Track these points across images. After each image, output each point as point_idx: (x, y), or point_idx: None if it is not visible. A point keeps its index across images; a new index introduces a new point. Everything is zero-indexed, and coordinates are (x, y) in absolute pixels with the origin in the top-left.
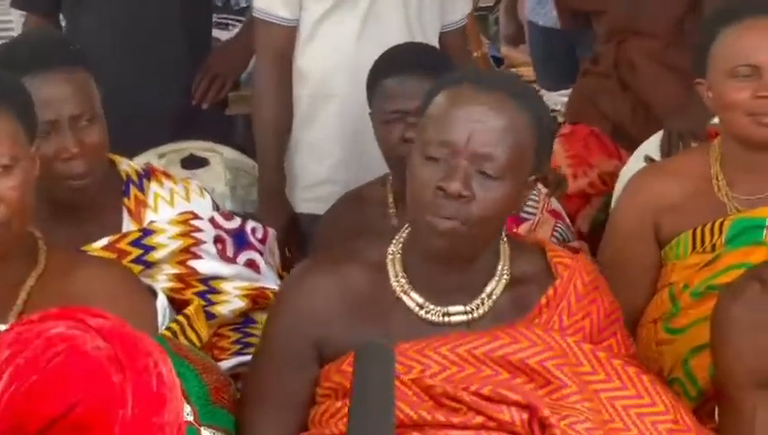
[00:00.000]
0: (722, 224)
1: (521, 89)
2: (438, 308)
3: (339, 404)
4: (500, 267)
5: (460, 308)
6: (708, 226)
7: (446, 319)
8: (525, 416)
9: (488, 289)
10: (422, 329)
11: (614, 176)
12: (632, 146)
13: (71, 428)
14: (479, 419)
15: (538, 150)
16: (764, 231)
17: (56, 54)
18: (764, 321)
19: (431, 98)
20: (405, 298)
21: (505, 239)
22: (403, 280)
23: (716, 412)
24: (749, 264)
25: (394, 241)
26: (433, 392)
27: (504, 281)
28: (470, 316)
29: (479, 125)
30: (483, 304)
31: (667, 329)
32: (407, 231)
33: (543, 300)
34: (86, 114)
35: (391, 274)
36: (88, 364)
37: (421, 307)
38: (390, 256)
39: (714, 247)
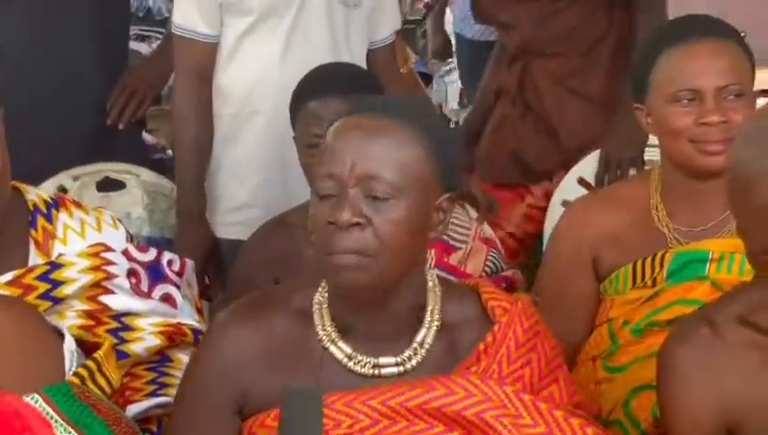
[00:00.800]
0: (663, 257)
1: (409, 109)
2: (368, 359)
3: None
4: (429, 313)
5: (391, 360)
6: (649, 259)
7: (377, 371)
8: None
9: (419, 338)
10: (352, 381)
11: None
12: (536, 175)
13: None
14: None
15: (437, 168)
16: (707, 265)
17: None
18: (714, 366)
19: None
20: (333, 348)
21: (435, 277)
22: (330, 329)
23: None
24: (691, 300)
25: (320, 287)
26: None
27: (434, 327)
28: (402, 368)
29: (360, 151)
30: (415, 354)
31: (606, 367)
32: None
33: (481, 347)
34: None
35: (318, 322)
36: None
37: (350, 358)
38: (317, 304)
39: (654, 282)
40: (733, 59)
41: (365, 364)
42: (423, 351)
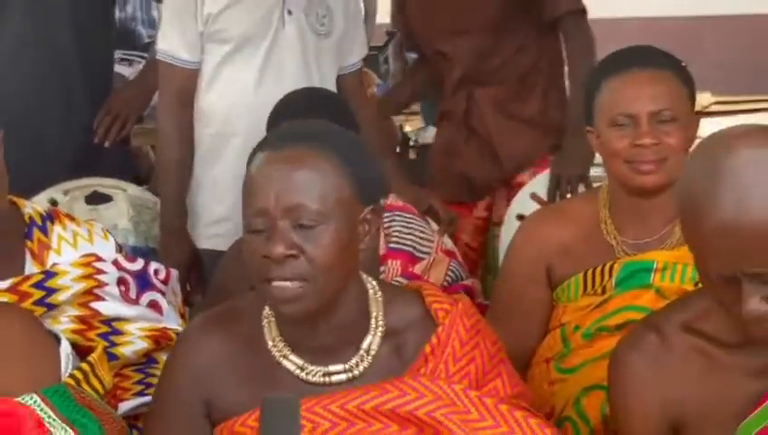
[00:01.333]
0: (612, 267)
1: (320, 134)
2: (319, 368)
3: None
4: (373, 320)
5: (339, 367)
6: (599, 268)
7: (327, 379)
8: None
9: (365, 344)
10: (305, 390)
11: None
12: (480, 193)
13: None
14: None
15: (356, 185)
16: (652, 274)
17: None
18: (661, 371)
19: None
20: (285, 362)
21: (375, 285)
22: (281, 343)
23: None
24: (638, 306)
25: (267, 304)
26: None
27: (379, 333)
28: (351, 374)
29: (283, 184)
30: (362, 360)
31: (558, 369)
32: None
33: (428, 348)
34: None
35: (268, 338)
36: None
37: (302, 369)
38: (266, 320)
39: (604, 290)
40: (667, 86)
41: (315, 373)
42: (370, 357)
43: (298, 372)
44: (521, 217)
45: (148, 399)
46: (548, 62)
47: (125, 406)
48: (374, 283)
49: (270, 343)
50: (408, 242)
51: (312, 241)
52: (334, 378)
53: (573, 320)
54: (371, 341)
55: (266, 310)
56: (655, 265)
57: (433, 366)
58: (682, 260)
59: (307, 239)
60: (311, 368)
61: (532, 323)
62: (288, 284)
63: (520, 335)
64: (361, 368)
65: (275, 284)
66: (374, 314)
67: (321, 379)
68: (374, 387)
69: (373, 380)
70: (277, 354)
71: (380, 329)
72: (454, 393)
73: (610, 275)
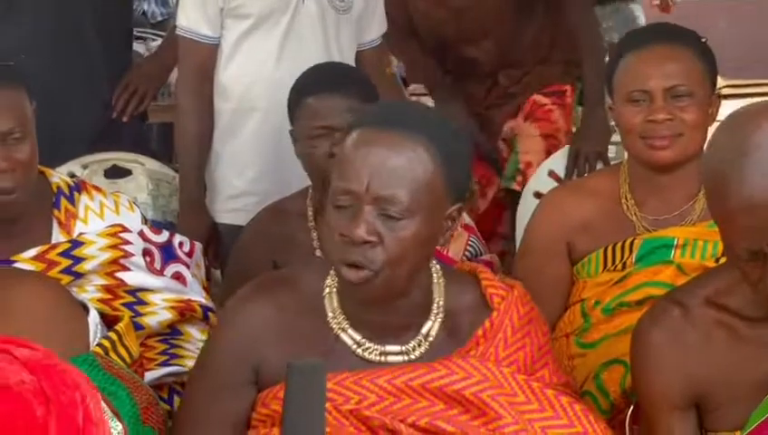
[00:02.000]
0: (632, 243)
1: (423, 122)
2: (376, 347)
3: (275, 431)
4: (435, 305)
5: (397, 348)
6: (619, 245)
7: (384, 358)
8: None
9: (425, 330)
10: (359, 365)
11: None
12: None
13: None
14: None
15: (449, 181)
16: (672, 250)
17: None
18: (683, 345)
19: (345, 138)
20: (343, 336)
21: (439, 269)
22: (341, 317)
23: (627, 424)
24: (658, 282)
25: (331, 274)
26: (370, 424)
27: (440, 319)
28: (407, 357)
29: (378, 168)
30: (420, 345)
31: (578, 343)
32: None
33: (480, 332)
34: (16, 131)
35: (329, 310)
36: (11, 399)
37: (359, 345)
38: (327, 291)
39: (624, 266)
40: (683, 62)
41: (372, 351)
42: (427, 343)
43: (355, 347)
44: (538, 195)
45: (172, 369)
46: (565, 37)
47: (149, 376)
48: (437, 266)
49: (330, 314)
50: None
51: (394, 232)
52: (390, 358)
53: (593, 295)
54: (431, 326)
55: (329, 278)
56: (675, 242)
57: (483, 349)
58: (703, 236)
59: (390, 229)
60: (368, 345)
61: (553, 298)
62: (362, 270)
63: (540, 310)
64: (418, 353)
65: (348, 268)
66: (436, 301)
67: (378, 357)
68: (423, 365)
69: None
70: (335, 326)
71: (441, 315)
72: (502, 376)
73: (631, 251)
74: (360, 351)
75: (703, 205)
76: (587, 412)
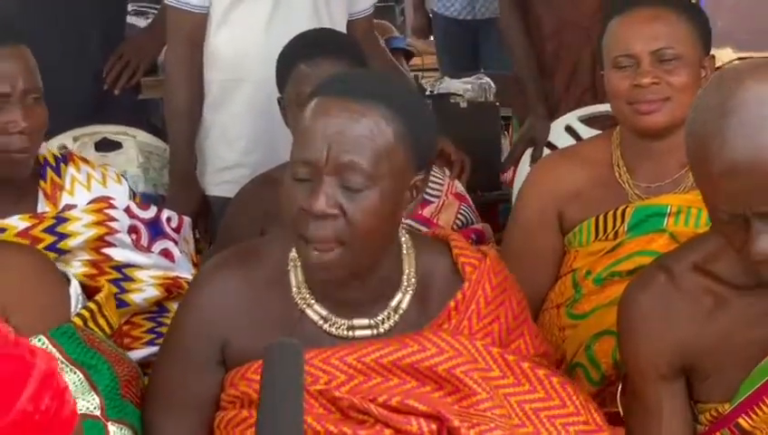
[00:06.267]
0: (624, 211)
1: (384, 89)
2: (343, 321)
3: (245, 413)
4: (405, 277)
5: (365, 322)
6: (611, 213)
7: (351, 333)
8: (434, 426)
9: (394, 302)
10: (326, 342)
11: None
12: None
13: None
14: (387, 431)
15: (412, 149)
16: (665, 219)
17: (5, 32)
18: (670, 312)
19: (302, 110)
20: (308, 311)
21: (408, 239)
22: (305, 292)
23: (618, 396)
24: (651, 251)
25: (294, 247)
26: (340, 405)
27: (410, 291)
28: (376, 330)
29: (337, 137)
30: (389, 317)
31: (569, 314)
32: None
33: (452, 304)
34: (34, 91)
35: (293, 285)
36: None
37: (325, 320)
38: (292, 264)
39: (616, 235)
40: (668, 24)
41: (340, 326)
42: (397, 315)
43: (321, 322)
44: (550, 146)
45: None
46: None
47: (135, 355)
48: (407, 235)
49: (294, 289)
50: None
51: (355, 203)
52: (358, 333)
53: (585, 265)
54: (401, 298)
55: (293, 253)
56: (668, 210)
57: (456, 322)
58: (696, 204)
59: (351, 200)
60: (335, 320)
61: (543, 268)
62: (324, 244)
63: (530, 281)
64: (387, 325)
65: (312, 252)
66: (406, 272)
67: (346, 332)
68: (393, 341)
69: (397, 335)
70: (300, 302)
71: (411, 287)
72: (475, 349)
73: (623, 220)
74: (326, 326)
75: None
76: (565, 385)
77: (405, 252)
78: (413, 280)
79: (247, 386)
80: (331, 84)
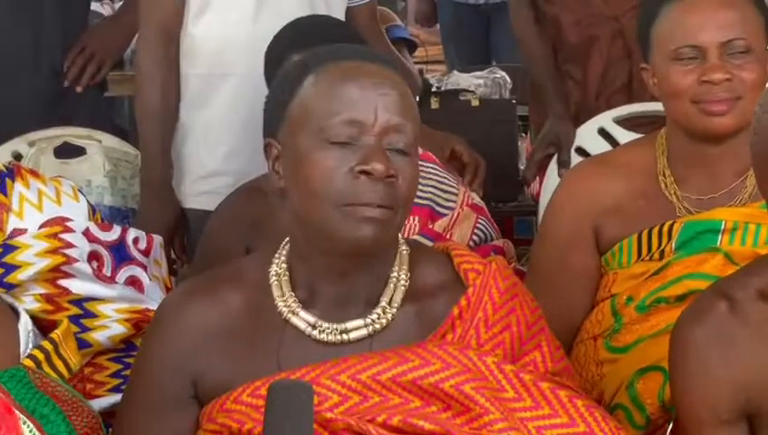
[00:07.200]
0: (671, 227)
1: (393, 58)
2: (334, 326)
3: None
4: (395, 272)
5: (359, 322)
6: (656, 229)
7: (345, 337)
8: None
9: (386, 298)
10: (317, 352)
11: None
12: None
13: None
14: None
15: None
16: (719, 236)
17: None
18: (732, 347)
19: (300, 81)
20: (294, 319)
21: (402, 242)
22: (291, 299)
23: None
24: (702, 274)
25: (276, 255)
26: (334, 428)
27: (401, 288)
28: (370, 329)
29: (385, 98)
30: (384, 313)
31: (609, 347)
32: (287, 246)
33: (456, 311)
34: None
35: (276, 293)
36: None
37: (314, 327)
38: (275, 278)
39: (662, 254)
40: (739, 11)
41: (331, 332)
42: (390, 313)
43: (309, 330)
44: (581, 152)
45: None
46: None
47: (98, 403)
48: (402, 239)
49: (278, 299)
50: (427, 195)
51: (405, 168)
52: (352, 335)
53: (626, 290)
54: (392, 295)
55: (275, 267)
56: (723, 226)
57: (462, 332)
58: (755, 219)
59: (400, 165)
60: (325, 326)
61: (577, 293)
62: (378, 209)
63: (562, 309)
64: (383, 321)
65: (365, 207)
66: (396, 267)
67: (338, 337)
68: (392, 354)
69: (395, 344)
70: (285, 310)
71: (402, 284)
72: (485, 367)
73: (670, 238)
74: (315, 333)
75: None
76: (591, 408)
77: (400, 250)
78: (403, 277)
79: (227, 417)
80: (344, 51)
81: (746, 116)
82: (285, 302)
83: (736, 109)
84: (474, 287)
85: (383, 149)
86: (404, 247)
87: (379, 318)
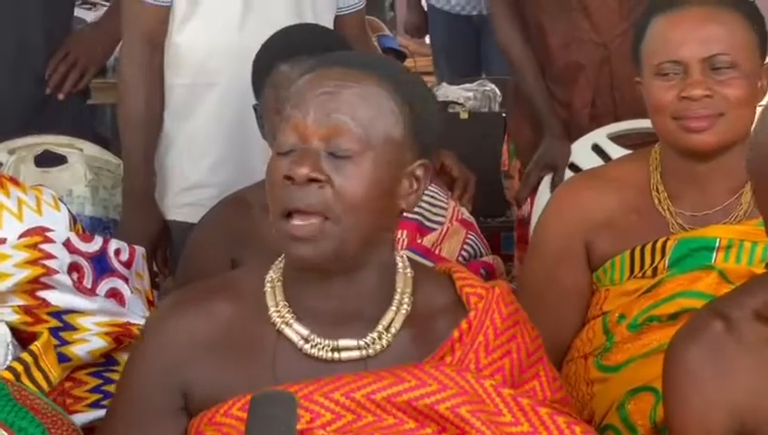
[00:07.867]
0: (664, 244)
1: (382, 62)
2: (327, 342)
3: None
4: (398, 295)
5: (352, 343)
6: (649, 246)
7: (336, 355)
8: None
9: (385, 321)
10: (309, 367)
11: None
12: None
13: None
14: None
15: (411, 127)
16: (713, 253)
17: None
18: (727, 368)
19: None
20: (287, 331)
21: (406, 260)
22: (284, 310)
23: None
24: (696, 292)
25: (273, 267)
26: None
27: (403, 312)
28: (364, 352)
29: (325, 103)
30: (379, 338)
31: (599, 366)
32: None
33: (456, 334)
34: None
35: (270, 303)
36: None
37: (307, 341)
38: (269, 285)
39: (655, 271)
40: (724, 26)
41: (323, 347)
42: (389, 336)
43: (302, 343)
44: (573, 168)
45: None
46: None
47: (77, 419)
48: (405, 257)
49: (272, 309)
50: (416, 209)
51: (344, 172)
52: (345, 355)
53: (617, 308)
54: (393, 318)
55: (271, 273)
56: (717, 243)
57: (461, 355)
58: (750, 237)
59: (339, 169)
60: (317, 340)
61: (568, 311)
62: (311, 219)
63: (552, 326)
64: (377, 346)
65: (294, 222)
66: (399, 290)
67: (330, 354)
68: (387, 374)
69: (390, 366)
70: (279, 320)
71: (405, 307)
72: (483, 390)
73: (663, 254)
74: (307, 347)
75: (751, 198)
76: None
77: (401, 270)
78: (406, 301)
79: (215, 431)
80: (319, 60)
81: (728, 133)
82: (279, 312)
83: (718, 126)
84: (476, 311)
85: (316, 152)
86: (408, 270)
87: (374, 343)
